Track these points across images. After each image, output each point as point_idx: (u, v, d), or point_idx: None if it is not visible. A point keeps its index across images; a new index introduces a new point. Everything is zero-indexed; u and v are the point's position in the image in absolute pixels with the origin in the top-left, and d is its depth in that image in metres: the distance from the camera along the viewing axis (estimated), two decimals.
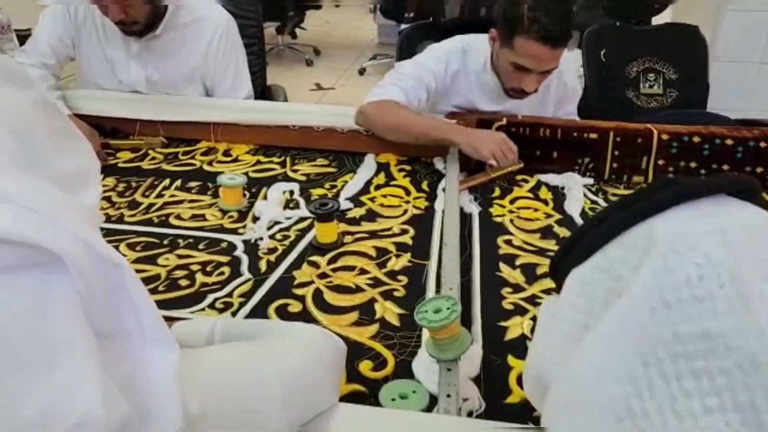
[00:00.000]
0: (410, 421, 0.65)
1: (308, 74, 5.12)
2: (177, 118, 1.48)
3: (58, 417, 0.41)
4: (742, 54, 2.37)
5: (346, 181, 1.32)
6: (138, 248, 1.06)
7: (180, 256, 1.03)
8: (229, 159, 1.43)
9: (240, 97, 1.58)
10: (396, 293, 0.94)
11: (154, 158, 1.43)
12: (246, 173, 1.34)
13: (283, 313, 0.89)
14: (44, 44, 1.50)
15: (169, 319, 0.56)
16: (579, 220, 1.18)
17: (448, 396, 0.67)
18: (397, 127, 1.34)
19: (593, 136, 1.34)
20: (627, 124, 1.35)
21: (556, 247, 1.07)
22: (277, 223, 1.14)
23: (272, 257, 1.03)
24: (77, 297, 0.48)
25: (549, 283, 0.97)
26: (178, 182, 1.30)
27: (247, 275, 0.98)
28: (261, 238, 1.08)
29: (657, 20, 2.24)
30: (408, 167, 1.39)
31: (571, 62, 1.55)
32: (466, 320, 0.87)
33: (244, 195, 1.22)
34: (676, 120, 1.47)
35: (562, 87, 1.51)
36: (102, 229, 1.07)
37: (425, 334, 0.82)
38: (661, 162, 1.32)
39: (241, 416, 0.53)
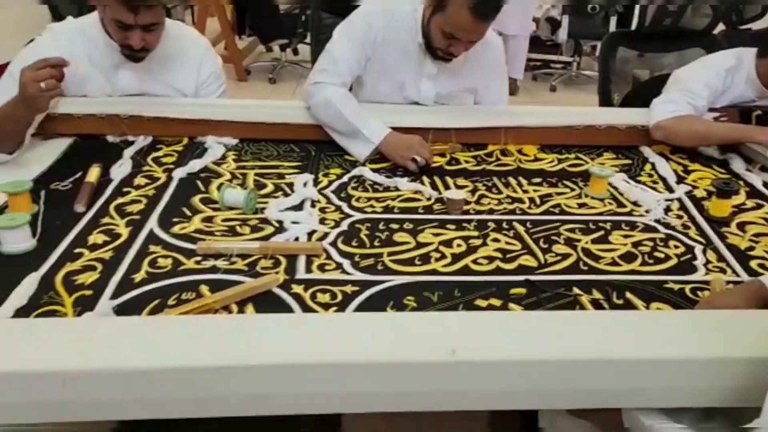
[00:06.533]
0: None
1: None
2: (473, 124, 1.64)
3: None
4: None
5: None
6: (577, 231, 1.24)
7: (626, 236, 1.23)
8: (529, 158, 1.62)
9: (505, 102, 1.77)
10: None
11: (468, 161, 1.58)
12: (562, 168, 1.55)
13: None
14: (345, 65, 1.60)
15: None
16: None
17: None
18: (703, 134, 1.60)
19: None
20: None
21: None
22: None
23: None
24: None
25: None
26: (522, 179, 1.47)
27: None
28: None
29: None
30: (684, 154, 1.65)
31: None
32: None
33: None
34: None
35: None
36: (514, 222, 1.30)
37: None
38: None
39: None
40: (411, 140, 1.52)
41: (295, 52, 5.90)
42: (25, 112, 1.39)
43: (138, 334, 0.77)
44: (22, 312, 0.92)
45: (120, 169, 1.40)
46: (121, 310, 0.94)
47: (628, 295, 1.03)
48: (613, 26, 5.12)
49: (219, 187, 1.35)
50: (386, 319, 0.84)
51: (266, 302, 0.98)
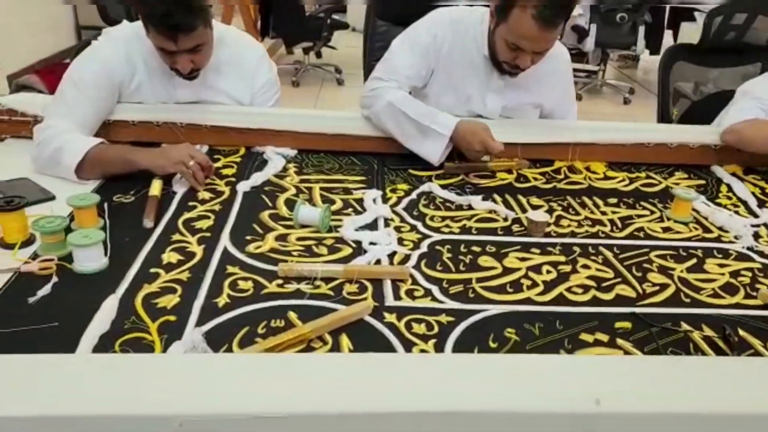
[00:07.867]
0: None
1: (346, 93, 5.18)
2: (541, 140, 1.59)
3: None
4: None
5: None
6: (669, 259, 1.18)
7: (722, 265, 1.17)
8: (599, 176, 1.56)
9: (573, 118, 1.71)
10: None
11: (536, 178, 1.52)
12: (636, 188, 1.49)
13: None
14: (403, 75, 1.55)
15: None
16: None
17: None
18: None
19: None
20: None
21: None
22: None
23: None
24: None
25: None
26: (597, 199, 1.41)
27: None
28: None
29: None
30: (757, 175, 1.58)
31: None
32: None
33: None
34: None
35: None
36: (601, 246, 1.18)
37: None
38: None
39: None
40: (479, 129, 1.46)
41: (318, 55, 5.86)
42: (146, 162, 1.34)
43: (254, 373, 0.71)
44: (107, 338, 0.87)
45: (182, 181, 1.35)
46: (209, 338, 0.88)
47: (741, 332, 0.97)
48: (641, 36, 5.08)
49: (288, 203, 1.30)
50: (516, 362, 0.78)
51: (360, 332, 0.93)
